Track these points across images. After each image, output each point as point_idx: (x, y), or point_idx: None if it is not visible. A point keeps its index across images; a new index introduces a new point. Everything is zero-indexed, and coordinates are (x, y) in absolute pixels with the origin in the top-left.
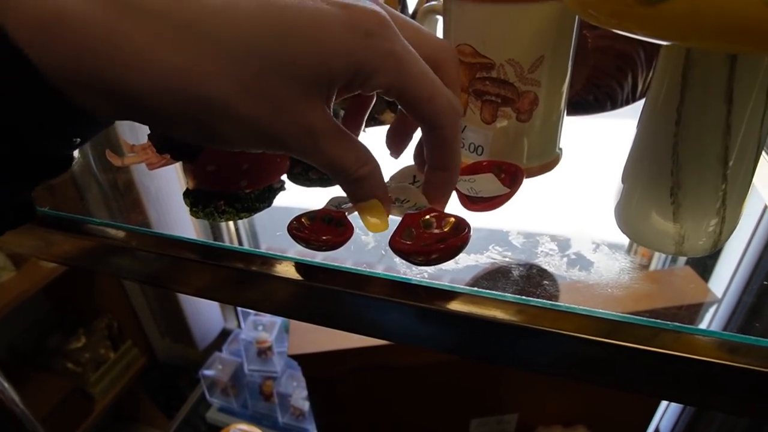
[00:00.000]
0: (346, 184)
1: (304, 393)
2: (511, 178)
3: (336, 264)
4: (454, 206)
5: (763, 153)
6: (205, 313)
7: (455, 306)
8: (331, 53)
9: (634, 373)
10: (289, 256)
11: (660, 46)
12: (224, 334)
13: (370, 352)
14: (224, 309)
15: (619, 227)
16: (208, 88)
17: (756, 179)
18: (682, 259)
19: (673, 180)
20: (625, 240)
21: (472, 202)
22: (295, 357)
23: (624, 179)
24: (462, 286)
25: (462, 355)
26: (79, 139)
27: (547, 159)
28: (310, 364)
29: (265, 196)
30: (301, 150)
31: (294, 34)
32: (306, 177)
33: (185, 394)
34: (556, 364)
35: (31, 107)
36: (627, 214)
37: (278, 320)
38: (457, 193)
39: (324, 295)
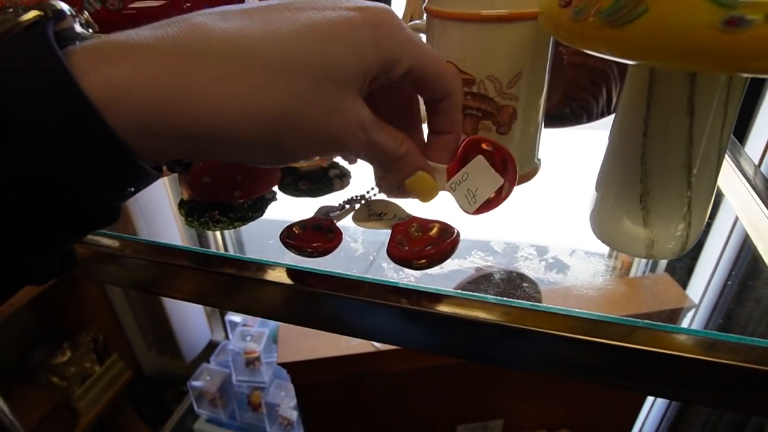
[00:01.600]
0: (391, 163)
1: (293, 402)
2: (501, 163)
3: (324, 269)
4: (457, 214)
5: (730, 162)
6: (192, 325)
7: (443, 308)
8: (363, 51)
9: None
10: (282, 262)
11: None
12: (211, 346)
13: (357, 359)
14: (211, 320)
15: (594, 233)
16: (279, 109)
17: (725, 188)
18: (661, 267)
19: (642, 187)
20: (601, 246)
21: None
22: (284, 365)
23: (597, 187)
24: (449, 289)
25: (454, 355)
26: (133, 189)
27: (526, 169)
28: (299, 372)
29: (257, 206)
30: (357, 144)
31: (331, 42)
32: (296, 187)
33: (171, 407)
34: (541, 362)
35: (99, 160)
36: (601, 220)
37: (266, 330)
38: (458, 202)
39: (312, 299)
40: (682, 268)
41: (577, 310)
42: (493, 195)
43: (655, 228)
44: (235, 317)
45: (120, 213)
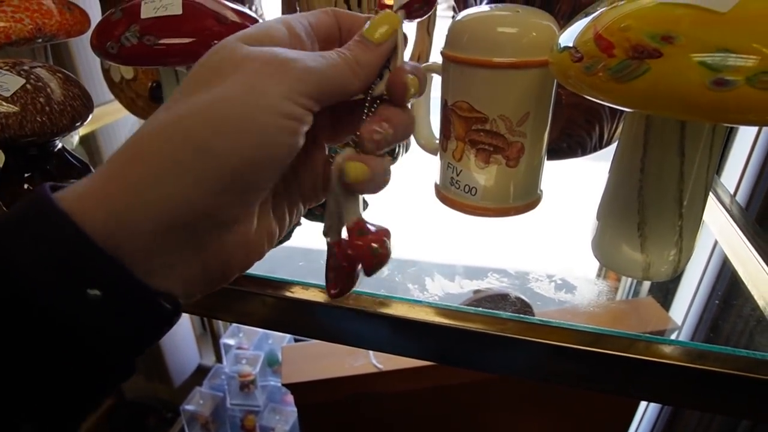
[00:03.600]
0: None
1: (287, 426)
2: None
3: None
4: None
5: (712, 196)
6: (182, 349)
7: (459, 323)
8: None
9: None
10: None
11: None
12: (200, 370)
13: (360, 380)
14: (201, 344)
15: (595, 257)
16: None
17: (705, 215)
18: (644, 291)
19: (639, 217)
20: (591, 271)
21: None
22: (288, 386)
23: (598, 217)
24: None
25: (469, 367)
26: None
27: (530, 199)
28: (303, 392)
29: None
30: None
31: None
32: (312, 212)
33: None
34: (550, 372)
35: (136, 311)
36: (602, 246)
37: (261, 354)
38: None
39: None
40: (665, 290)
41: (583, 324)
42: None
43: (651, 253)
44: (230, 340)
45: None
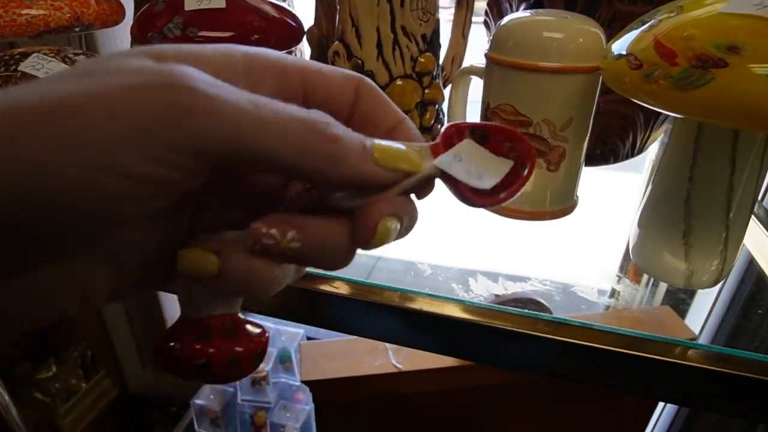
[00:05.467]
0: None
1: (298, 424)
2: (502, 145)
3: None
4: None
5: None
6: None
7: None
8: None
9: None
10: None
11: (659, 112)
12: None
13: (378, 379)
14: None
15: (636, 263)
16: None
17: None
18: (658, 300)
19: (685, 225)
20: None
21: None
22: (307, 383)
23: (639, 224)
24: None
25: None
26: None
27: (567, 204)
28: (322, 390)
29: None
30: None
31: None
32: None
33: (156, 428)
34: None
35: None
36: (644, 253)
37: (274, 350)
38: (456, 187)
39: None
40: (681, 299)
41: (618, 327)
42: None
43: (694, 262)
44: None
45: None
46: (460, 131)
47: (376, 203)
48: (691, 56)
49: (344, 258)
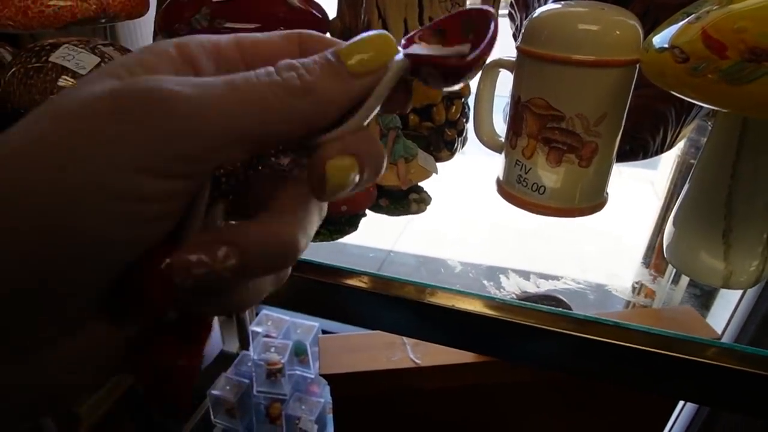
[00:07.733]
0: None
1: (313, 417)
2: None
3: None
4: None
5: None
6: None
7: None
8: None
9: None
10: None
11: (692, 106)
12: (221, 357)
13: (398, 374)
14: (224, 331)
15: (671, 262)
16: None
17: None
18: (677, 299)
19: (725, 224)
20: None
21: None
22: (326, 377)
23: (675, 223)
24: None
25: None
26: None
27: (597, 201)
28: (340, 384)
29: (354, 221)
30: None
31: None
32: (376, 203)
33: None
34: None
35: None
36: (679, 252)
37: (290, 343)
38: (433, 65)
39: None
40: (702, 300)
41: (650, 327)
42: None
43: (734, 262)
44: (257, 328)
45: None
46: (414, 36)
47: (323, 144)
48: (743, 49)
49: (295, 253)
